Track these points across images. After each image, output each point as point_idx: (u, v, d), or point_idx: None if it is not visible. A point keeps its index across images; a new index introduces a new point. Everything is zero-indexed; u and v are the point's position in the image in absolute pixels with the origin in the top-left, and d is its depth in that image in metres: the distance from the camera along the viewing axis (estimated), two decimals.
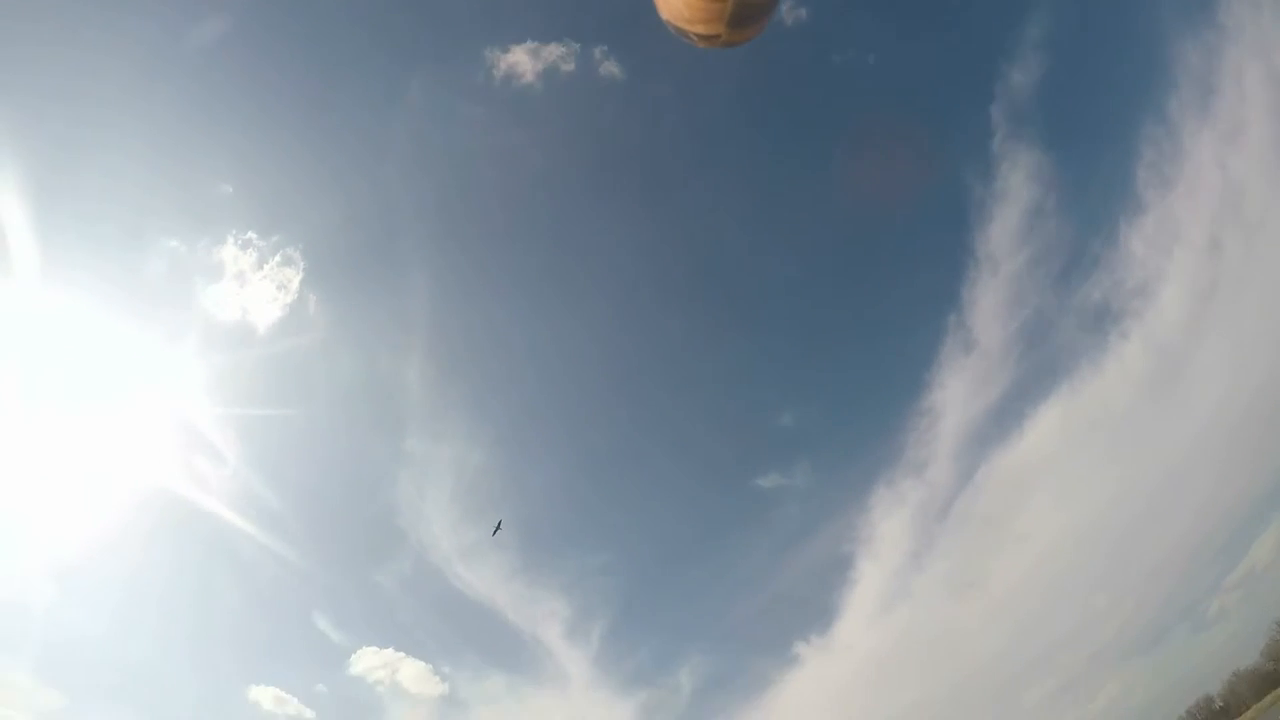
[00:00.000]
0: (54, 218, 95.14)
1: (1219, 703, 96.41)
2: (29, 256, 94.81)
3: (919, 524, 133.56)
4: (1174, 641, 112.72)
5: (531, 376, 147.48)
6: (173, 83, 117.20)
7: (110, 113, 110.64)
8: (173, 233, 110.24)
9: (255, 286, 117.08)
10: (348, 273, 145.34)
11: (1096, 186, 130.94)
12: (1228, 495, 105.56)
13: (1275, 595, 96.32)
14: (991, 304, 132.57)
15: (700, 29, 5.83)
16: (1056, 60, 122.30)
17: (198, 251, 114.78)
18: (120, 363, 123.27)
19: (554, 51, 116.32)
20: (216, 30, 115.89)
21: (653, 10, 6.25)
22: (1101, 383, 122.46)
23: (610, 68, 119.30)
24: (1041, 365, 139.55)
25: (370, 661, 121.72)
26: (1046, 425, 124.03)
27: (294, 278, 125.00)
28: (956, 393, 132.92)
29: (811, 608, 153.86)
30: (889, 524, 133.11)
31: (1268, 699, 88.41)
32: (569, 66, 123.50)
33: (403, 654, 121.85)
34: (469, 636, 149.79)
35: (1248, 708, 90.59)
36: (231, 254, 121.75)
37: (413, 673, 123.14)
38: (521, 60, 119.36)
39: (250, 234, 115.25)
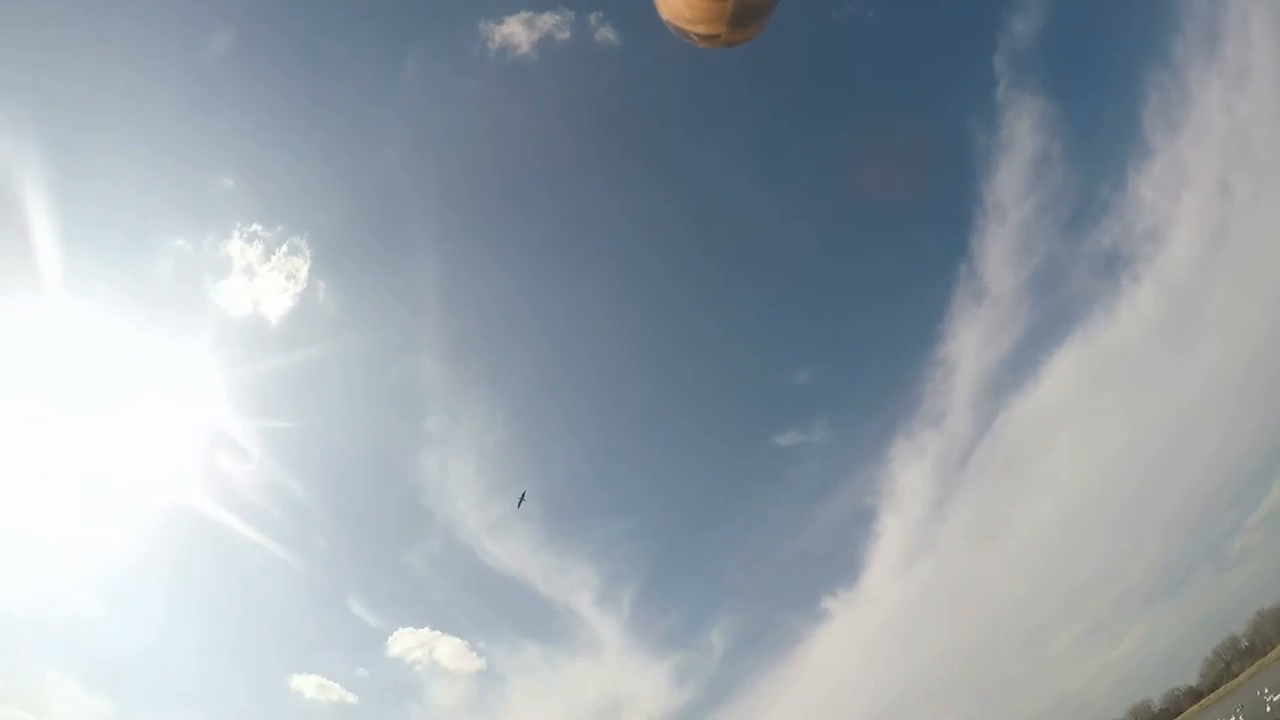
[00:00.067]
0: (59, 226, 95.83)
1: (1244, 642, 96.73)
2: (42, 267, 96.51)
3: (940, 474, 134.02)
4: (1197, 583, 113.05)
5: (545, 349, 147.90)
6: (166, 80, 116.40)
7: (105, 116, 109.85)
8: (178, 231, 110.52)
9: (264, 278, 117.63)
10: (355, 257, 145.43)
11: (1103, 133, 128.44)
12: (1246, 435, 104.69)
13: None
14: (1001, 253, 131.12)
15: (701, 29, 5.89)
16: (1059, 7, 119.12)
17: (204, 248, 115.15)
18: (137, 368, 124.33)
19: (549, 20, 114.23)
20: (206, 24, 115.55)
21: (652, 9, 6.32)
22: (1115, 328, 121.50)
23: (606, 34, 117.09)
24: (1054, 312, 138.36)
25: (407, 642, 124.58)
26: (1062, 371, 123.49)
27: (302, 266, 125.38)
28: (970, 342, 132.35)
29: (837, 562, 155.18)
30: (909, 475, 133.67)
31: None
32: (564, 35, 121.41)
33: (438, 632, 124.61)
34: (502, 610, 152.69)
35: (1273, 646, 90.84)
36: (238, 248, 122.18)
37: (449, 650, 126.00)
38: (516, 31, 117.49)
39: (255, 226, 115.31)
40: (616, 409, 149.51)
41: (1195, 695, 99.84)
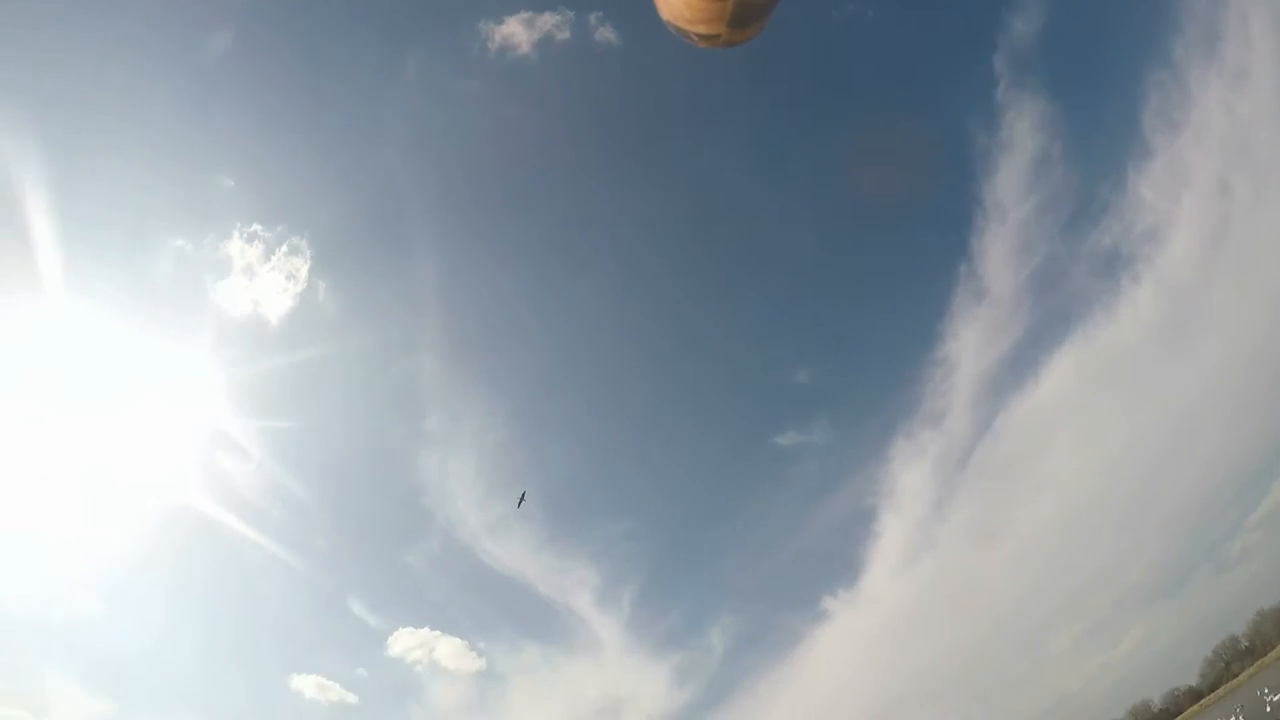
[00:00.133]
0: (59, 226, 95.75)
1: (1244, 642, 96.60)
2: (42, 267, 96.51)
3: (940, 474, 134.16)
4: (1197, 583, 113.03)
5: (546, 348, 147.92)
6: (165, 80, 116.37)
7: (104, 116, 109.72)
8: (177, 232, 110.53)
9: (264, 278, 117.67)
10: (355, 257, 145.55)
11: (1103, 133, 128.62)
12: (1246, 434, 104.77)
13: None
14: (1001, 253, 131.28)
15: (701, 29, 5.89)
16: (1059, 7, 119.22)
17: (204, 249, 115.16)
18: (137, 368, 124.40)
19: (549, 20, 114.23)
20: (205, 23, 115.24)
21: (652, 9, 6.32)
22: (1115, 328, 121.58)
23: (606, 34, 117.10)
24: (1054, 312, 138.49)
25: (407, 642, 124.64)
26: (1062, 371, 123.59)
27: (302, 266, 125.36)
28: (970, 342, 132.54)
29: (837, 562, 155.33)
30: (909, 476, 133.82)
31: None
32: (564, 35, 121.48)
33: (438, 632, 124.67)
34: (502, 610, 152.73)
35: (1273, 646, 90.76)
36: (238, 248, 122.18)
37: (449, 650, 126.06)
38: (516, 31, 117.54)
39: (255, 226, 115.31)
40: (616, 409, 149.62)
41: (1195, 695, 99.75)
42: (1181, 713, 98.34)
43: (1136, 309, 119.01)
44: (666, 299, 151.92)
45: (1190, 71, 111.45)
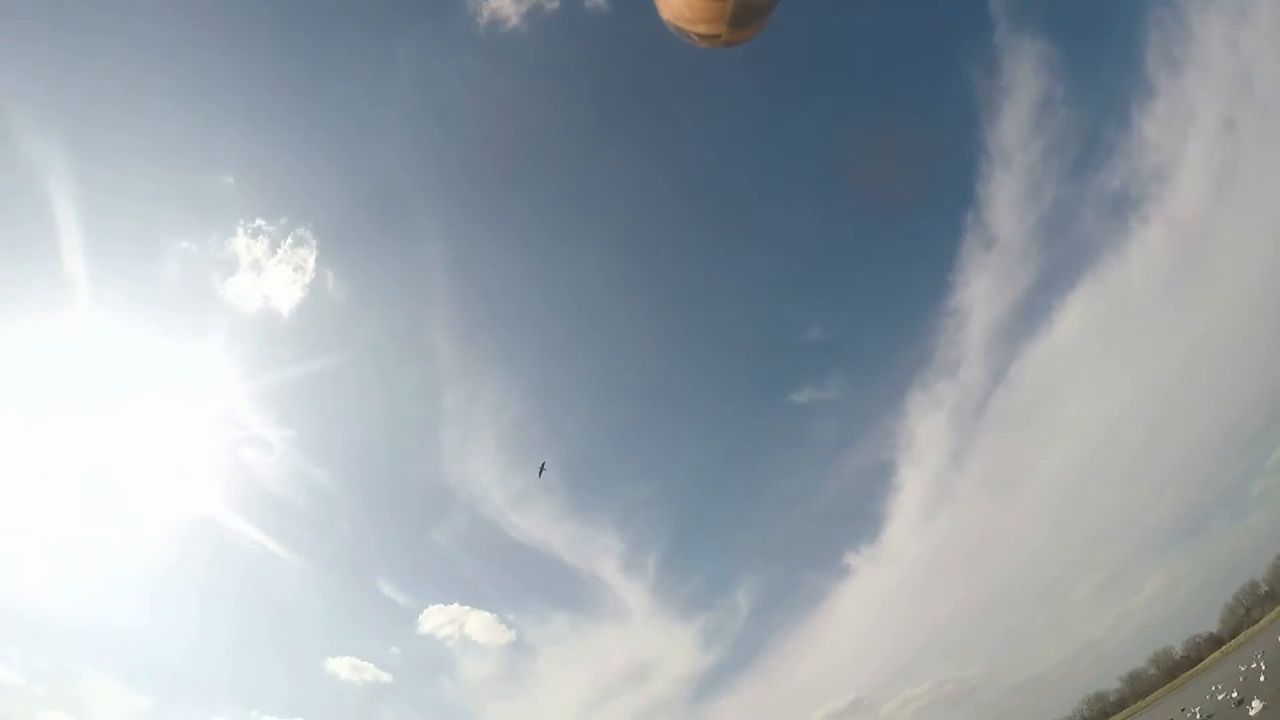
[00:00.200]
0: (70, 239, 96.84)
1: (1264, 587, 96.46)
2: (61, 283, 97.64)
3: (956, 425, 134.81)
4: (1216, 528, 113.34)
5: (555, 322, 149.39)
6: (158, 85, 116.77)
7: (104, 128, 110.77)
8: (182, 234, 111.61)
9: (273, 272, 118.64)
10: (361, 244, 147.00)
11: (1105, 73, 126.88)
12: (1262, 373, 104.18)
13: None
14: (1008, 198, 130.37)
15: (701, 29, 5.88)
16: None
17: (209, 248, 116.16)
18: (156, 373, 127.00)
19: None
20: (194, 24, 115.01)
21: (652, 9, 6.35)
22: (1126, 269, 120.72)
23: (597, 1, 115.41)
24: (1064, 256, 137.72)
25: (438, 619, 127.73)
26: (1075, 316, 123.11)
27: (309, 257, 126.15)
28: (981, 290, 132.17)
29: (858, 518, 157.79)
30: (926, 427, 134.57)
31: None
32: (553, 4, 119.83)
33: (468, 607, 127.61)
34: (529, 582, 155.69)
35: None
36: (244, 244, 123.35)
37: (479, 624, 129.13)
38: (504, 4, 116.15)
39: (259, 221, 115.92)
40: (630, 378, 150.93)
41: (1216, 642, 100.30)
42: (1203, 660, 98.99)
43: (1147, 250, 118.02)
44: (672, 266, 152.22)
45: (1191, 7, 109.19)
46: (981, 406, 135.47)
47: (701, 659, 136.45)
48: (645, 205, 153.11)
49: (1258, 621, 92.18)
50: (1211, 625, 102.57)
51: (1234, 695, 41.55)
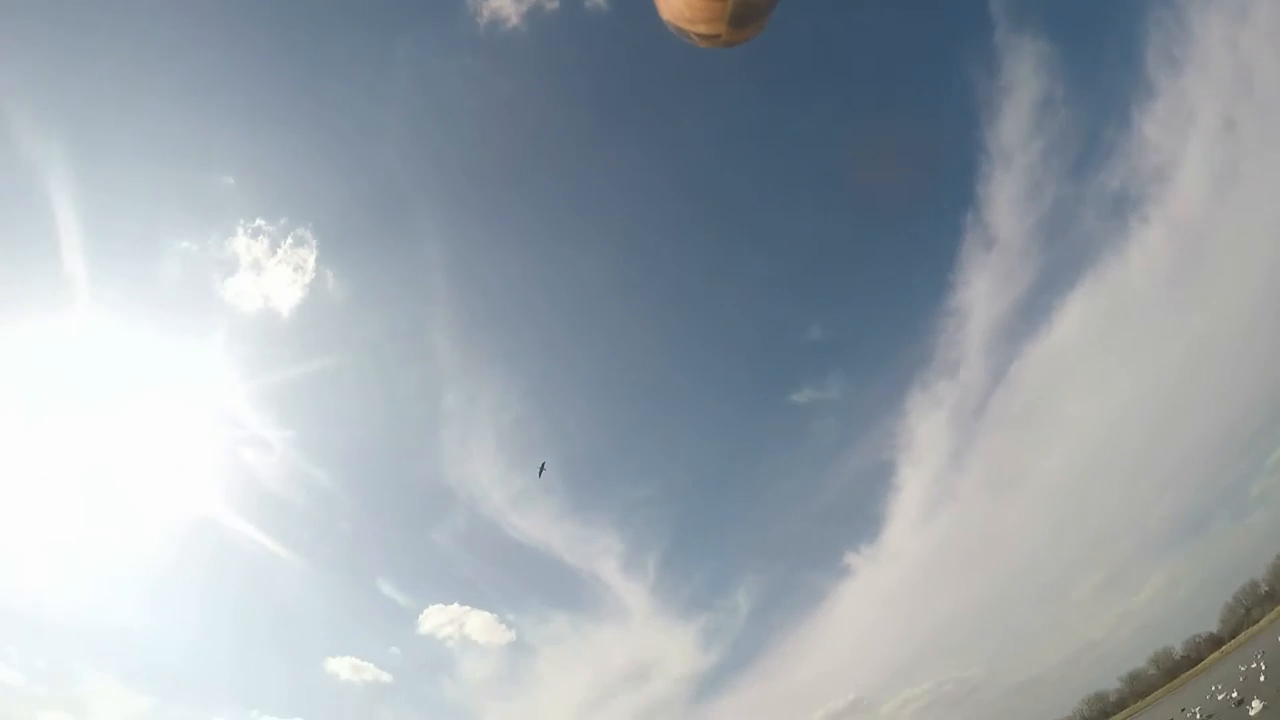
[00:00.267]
0: (70, 239, 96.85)
1: (1264, 587, 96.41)
2: (61, 283, 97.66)
3: (957, 425, 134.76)
4: (1216, 527, 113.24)
5: (556, 322, 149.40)
6: (160, 84, 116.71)
7: (103, 128, 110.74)
8: (182, 234, 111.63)
9: (273, 272, 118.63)
10: (361, 243, 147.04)
11: (1105, 73, 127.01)
12: (1262, 373, 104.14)
13: None
14: (1008, 198, 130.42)
15: (701, 29, 5.88)
16: None
17: (209, 248, 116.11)
18: (157, 374, 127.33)
19: None
20: (194, 23, 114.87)
21: (652, 9, 6.35)
22: (1126, 269, 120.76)
23: (597, 1, 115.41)
24: (1064, 256, 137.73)
25: (438, 619, 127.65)
26: (1075, 316, 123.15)
27: (309, 257, 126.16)
28: (981, 290, 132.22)
29: (858, 518, 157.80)
30: (926, 427, 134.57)
31: None
32: (552, 4, 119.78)
33: (468, 607, 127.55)
34: (529, 582, 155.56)
35: None
36: (244, 244, 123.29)
37: (479, 624, 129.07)
38: (504, 4, 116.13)
39: (259, 221, 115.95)
40: (629, 379, 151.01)
41: (1216, 642, 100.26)
42: (1202, 660, 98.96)
43: (1147, 250, 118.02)
44: (672, 265, 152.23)
45: (1191, 7, 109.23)
46: (981, 406, 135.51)
47: (701, 659, 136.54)
48: (645, 205, 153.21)
49: (1258, 621, 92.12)
50: (1211, 625, 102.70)
51: (1234, 695, 41.54)
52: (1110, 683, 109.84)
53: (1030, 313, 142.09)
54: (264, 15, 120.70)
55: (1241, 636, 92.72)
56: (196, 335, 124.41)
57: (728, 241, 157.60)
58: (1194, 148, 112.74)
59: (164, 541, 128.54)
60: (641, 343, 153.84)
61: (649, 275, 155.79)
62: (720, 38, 5.81)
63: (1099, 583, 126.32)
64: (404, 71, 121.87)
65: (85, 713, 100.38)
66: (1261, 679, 42.22)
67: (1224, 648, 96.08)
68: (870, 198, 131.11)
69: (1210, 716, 39.92)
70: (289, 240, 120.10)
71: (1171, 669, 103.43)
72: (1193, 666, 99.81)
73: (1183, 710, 53.41)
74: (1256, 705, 32.12)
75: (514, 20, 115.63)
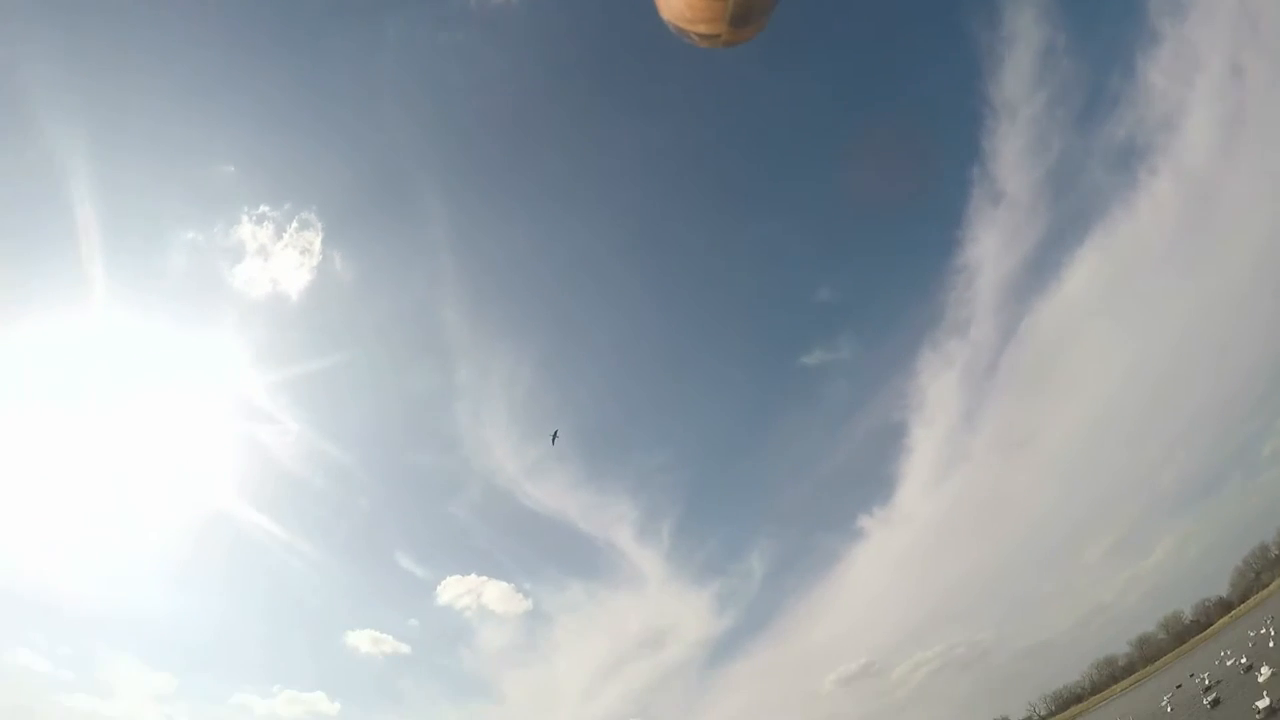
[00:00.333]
0: (88, 238, 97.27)
1: (1275, 551, 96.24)
2: (76, 279, 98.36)
3: (968, 384, 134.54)
4: (1227, 490, 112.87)
5: (563, 294, 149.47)
6: (155, 77, 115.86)
7: (112, 128, 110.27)
8: (187, 224, 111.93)
9: (279, 257, 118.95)
10: (366, 224, 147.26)
11: (1107, 20, 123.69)
12: (1273, 334, 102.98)
13: None
14: (1014, 151, 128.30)
15: (701, 28, 5.81)
16: None
17: (215, 237, 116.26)
18: (171, 364, 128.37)
19: None
20: (188, 13, 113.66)
21: (652, 9, 6.25)
22: (1135, 224, 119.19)
23: None
24: (1073, 210, 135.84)
25: (455, 590, 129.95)
26: (1084, 271, 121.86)
27: (315, 240, 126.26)
28: (990, 246, 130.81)
29: (871, 480, 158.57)
30: (938, 387, 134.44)
31: None
32: None
33: (485, 578, 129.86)
34: (545, 551, 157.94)
35: None
36: (249, 231, 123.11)
37: (496, 594, 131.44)
38: None
39: (263, 207, 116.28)
40: (640, 346, 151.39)
41: (1226, 606, 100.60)
42: (1212, 624, 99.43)
43: (1156, 202, 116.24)
44: (677, 231, 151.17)
45: None
46: (993, 365, 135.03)
47: (716, 624, 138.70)
48: (648, 171, 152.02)
49: (1267, 586, 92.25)
50: (1221, 589, 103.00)
51: (1243, 661, 41.83)
52: (1119, 647, 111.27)
53: (1040, 268, 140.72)
54: (252, 1, 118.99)
55: (1251, 601, 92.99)
56: (208, 324, 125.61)
57: (733, 206, 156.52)
58: (1201, 95, 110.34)
59: (183, 526, 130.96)
60: (650, 310, 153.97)
61: (655, 242, 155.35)
62: (720, 37, 5.73)
63: (1108, 546, 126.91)
64: (397, 50, 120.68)
65: (111, 696, 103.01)
66: (1271, 645, 42.47)
67: (1234, 612, 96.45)
68: (876, 156, 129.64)
69: (1219, 682, 40.22)
70: (294, 224, 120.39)
71: (1181, 633, 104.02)
72: (1202, 631, 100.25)
73: (1191, 676, 53.83)
74: (1266, 671, 32.35)
75: None
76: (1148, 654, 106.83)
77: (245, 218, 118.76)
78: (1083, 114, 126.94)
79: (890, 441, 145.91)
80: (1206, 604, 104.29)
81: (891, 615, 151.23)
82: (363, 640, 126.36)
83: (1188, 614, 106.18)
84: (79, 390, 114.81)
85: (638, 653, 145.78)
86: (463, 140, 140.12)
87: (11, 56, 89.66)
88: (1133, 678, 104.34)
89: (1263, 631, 52.85)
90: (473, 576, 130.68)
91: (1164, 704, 46.52)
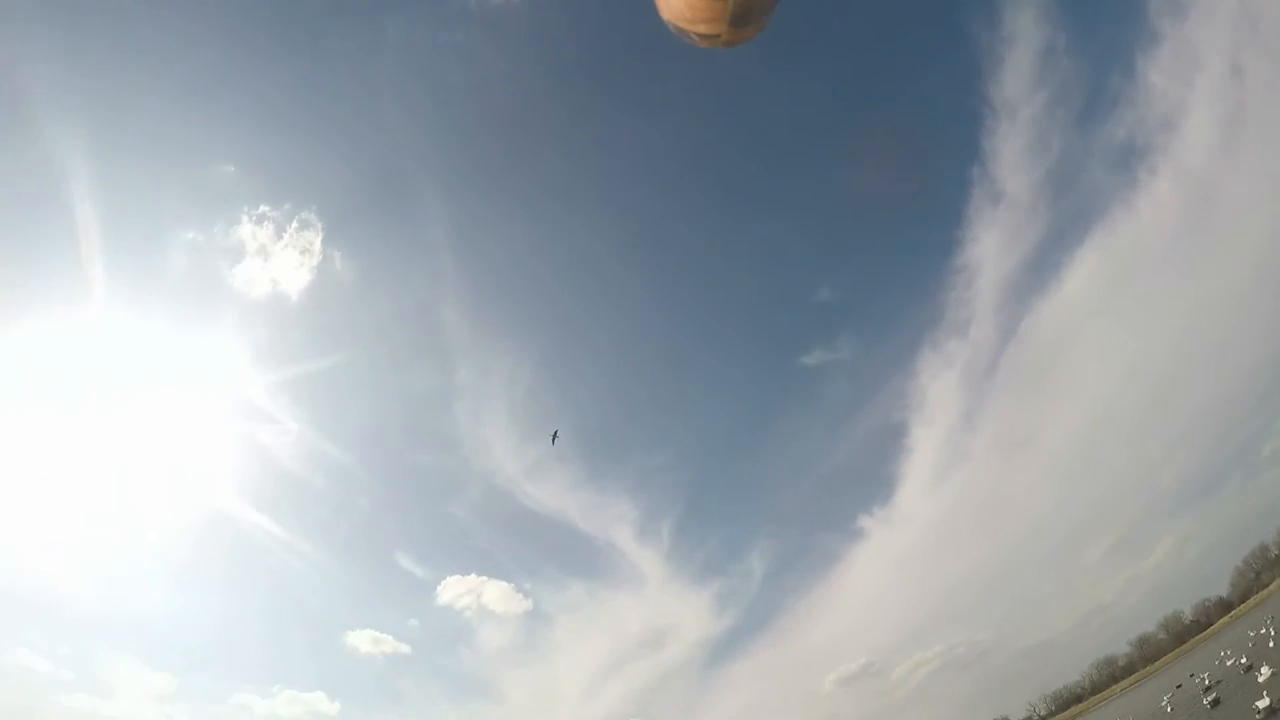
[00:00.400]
0: (88, 238, 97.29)
1: (1275, 551, 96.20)
2: (77, 279, 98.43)
3: (968, 384, 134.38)
4: (1227, 490, 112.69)
5: (563, 293, 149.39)
6: (159, 77, 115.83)
7: (111, 129, 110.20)
8: (187, 224, 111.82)
9: (279, 256, 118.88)
10: (366, 223, 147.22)
11: (1107, 20, 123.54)
12: (1273, 334, 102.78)
13: None
14: (1014, 151, 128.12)
15: (701, 29, 5.82)
16: None
17: (215, 237, 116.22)
18: (173, 363, 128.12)
19: None
20: (188, 13, 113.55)
21: (652, 9, 6.26)
22: (1135, 224, 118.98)
23: None
24: (1073, 210, 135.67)
25: (455, 590, 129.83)
26: (1084, 271, 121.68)
27: (315, 239, 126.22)
28: (990, 246, 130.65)
29: (871, 480, 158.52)
30: (938, 387, 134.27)
31: None
32: None
33: (485, 578, 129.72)
34: (545, 551, 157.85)
35: None
36: (249, 231, 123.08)
37: (496, 594, 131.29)
38: None
39: (263, 207, 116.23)
40: (639, 346, 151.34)
41: (1226, 606, 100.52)
42: (1211, 624, 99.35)
43: (1156, 202, 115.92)
44: (677, 231, 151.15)
45: None
46: (992, 365, 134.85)
47: (716, 624, 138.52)
48: (648, 171, 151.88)
49: (1267, 586, 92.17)
50: (1221, 589, 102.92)
51: (1243, 661, 41.80)
52: (1119, 647, 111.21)
53: (1040, 268, 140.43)
54: (252, 1, 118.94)
55: (1251, 601, 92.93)
56: (208, 324, 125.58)
57: (733, 206, 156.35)
58: (1201, 95, 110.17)
59: (183, 526, 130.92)
60: (650, 310, 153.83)
61: (655, 242, 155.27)
62: (720, 37, 5.74)
63: (1108, 546, 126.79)
64: (397, 50, 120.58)
65: (111, 696, 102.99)
66: (1271, 645, 42.44)
67: (1233, 612, 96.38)
68: (875, 155, 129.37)
69: (1219, 682, 40.20)
70: (294, 224, 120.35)
71: (1181, 633, 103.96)
72: (1202, 631, 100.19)
73: (1191, 676, 53.80)
74: (1265, 671, 32.33)
75: None
76: (1148, 654, 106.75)
77: (245, 218, 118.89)
78: (1083, 114, 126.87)
79: (890, 441, 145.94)
80: (1206, 604, 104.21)
81: (891, 615, 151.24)
82: (363, 640, 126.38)
83: (1188, 614, 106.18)
84: (79, 390, 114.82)
85: (638, 653, 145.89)
86: (463, 140, 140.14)
87: (11, 56, 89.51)
88: (1133, 678, 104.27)
89: (1263, 631, 52.85)
90: (473, 576, 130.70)
91: (1164, 704, 46.51)
